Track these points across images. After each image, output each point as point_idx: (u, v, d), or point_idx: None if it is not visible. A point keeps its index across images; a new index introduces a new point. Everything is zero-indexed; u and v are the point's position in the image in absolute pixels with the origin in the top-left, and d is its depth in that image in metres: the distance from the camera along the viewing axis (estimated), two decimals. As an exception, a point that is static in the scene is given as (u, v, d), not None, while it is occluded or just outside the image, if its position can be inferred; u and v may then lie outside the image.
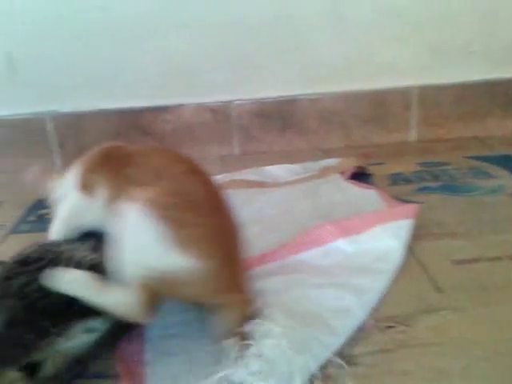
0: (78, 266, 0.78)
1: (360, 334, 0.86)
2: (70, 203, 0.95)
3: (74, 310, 0.74)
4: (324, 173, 1.54)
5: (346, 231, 1.10)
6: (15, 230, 1.38)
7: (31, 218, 1.43)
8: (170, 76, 1.76)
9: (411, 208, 1.16)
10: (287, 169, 1.59)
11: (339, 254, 1.05)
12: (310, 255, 1.06)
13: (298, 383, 0.70)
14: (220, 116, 1.80)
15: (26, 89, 1.76)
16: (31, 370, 0.70)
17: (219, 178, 1.56)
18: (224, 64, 1.75)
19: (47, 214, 1.44)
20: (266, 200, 1.38)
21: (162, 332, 0.88)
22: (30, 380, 0.70)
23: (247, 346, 0.75)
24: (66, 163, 1.80)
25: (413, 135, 1.84)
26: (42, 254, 0.82)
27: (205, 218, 0.76)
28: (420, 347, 0.83)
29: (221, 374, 0.71)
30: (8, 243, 1.30)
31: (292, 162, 1.62)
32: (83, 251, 0.83)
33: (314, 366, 0.75)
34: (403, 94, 1.79)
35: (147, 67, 1.75)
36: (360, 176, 1.53)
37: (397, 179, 1.51)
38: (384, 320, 0.90)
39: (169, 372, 0.79)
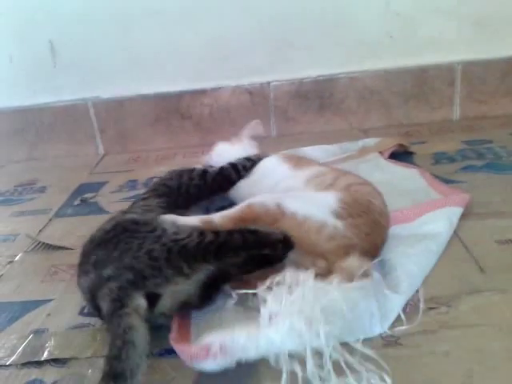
0: None
1: (402, 315, 0.84)
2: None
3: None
4: (363, 153, 1.52)
5: (399, 221, 1.08)
6: (60, 214, 1.42)
7: (75, 202, 1.47)
8: (207, 59, 1.77)
9: (463, 197, 1.14)
10: (325, 149, 1.55)
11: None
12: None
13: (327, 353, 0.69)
14: (257, 98, 1.79)
15: (68, 76, 1.80)
16: (151, 302, 0.80)
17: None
18: (261, 44, 1.73)
19: (91, 197, 1.48)
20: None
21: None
22: (149, 311, 0.79)
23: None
24: (108, 148, 1.87)
25: (456, 112, 1.78)
26: None
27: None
28: (462, 328, 0.81)
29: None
30: (53, 226, 1.34)
31: (330, 143, 1.59)
32: None
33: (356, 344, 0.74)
34: (446, 69, 1.74)
35: (185, 51, 1.76)
36: (401, 155, 1.49)
37: (440, 158, 1.47)
38: (427, 301, 0.88)
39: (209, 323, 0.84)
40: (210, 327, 0.81)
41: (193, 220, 0.96)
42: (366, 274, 0.85)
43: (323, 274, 0.85)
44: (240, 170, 1.21)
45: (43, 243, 1.24)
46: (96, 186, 1.55)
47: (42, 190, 1.62)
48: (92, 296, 0.85)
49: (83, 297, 0.89)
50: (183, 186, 1.14)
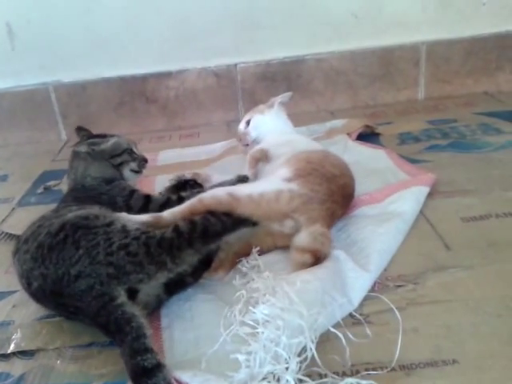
0: None
1: (370, 293, 0.86)
2: None
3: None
4: (330, 134, 1.52)
5: (367, 202, 1.11)
6: (23, 203, 1.38)
7: (38, 191, 1.43)
8: (171, 40, 1.73)
9: (429, 177, 1.16)
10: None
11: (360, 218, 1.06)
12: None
13: (308, 336, 0.70)
14: (224, 80, 1.77)
15: (27, 59, 1.74)
16: (130, 297, 0.80)
17: (225, 144, 1.55)
18: (226, 25, 1.71)
19: (55, 185, 1.45)
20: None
21: (175, 297, 0.90)
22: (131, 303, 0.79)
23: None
24: (71, 134, 1.82)
25: (421, 93, 1.80)
26: None
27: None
28: (429, 305, 0.83)
29: (233, 327, 0.74)
30: (16, 216, 1.31)
31: (298, 125, 1.58)
32: None
33: (325, 323, 0.76)
34: (411, 50, 1.75)
35: (149, 33, 1.72)
36: (368, 136, 1.50)
37: (405, 138, 1.49)
38: (394, 279, 0.90)
39: (184, 337, 0.81)
40: (184, 329, 0.82)
41: (142, 217, 0.94)
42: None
43: (292, 233, 0.93)
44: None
45: (6, 233, 1.20)
46: (60, 174, 1.51)
47: (4, 178, 1.57)
48: (52, 297, 0.83)
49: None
50: (117, 209, 1.02)
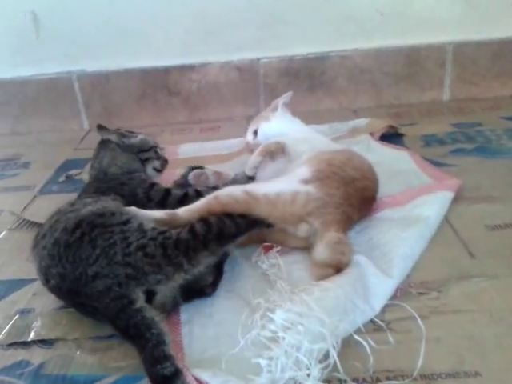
0: None
1: (393, 300, 0.85)
2: None
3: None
4: (353, 133, 1.51)
5: (390, 205, 1.09)
6: (44, 191, 1.39)
7: (60, 179, 1.44)
8: (195, 33, 1.72)
9: (454, 182, 1.14)
10: (314, 130, 1.54)
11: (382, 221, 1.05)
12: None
13: (329, 343, 0.69)
14: (247, 74, 1.76)
15: (51, 48, 1.75)
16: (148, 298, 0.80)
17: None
18: (251, 20, 1.70)
19: (76, 174, 1.45)
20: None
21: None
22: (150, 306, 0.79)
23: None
24: (94, 124, 1.82)
25: (447, 94, 1.77)
26: None
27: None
28: (453, 314, 0.82)
29: (253, 332, 0.73)
30: (37, 204, 1.32)
31: (320, 123, 1.57)
32: None
33: (347, 328, 0.75)
34: (437, 50, 1.72)
35: (173, 25, 1.71)
36: (391, 137, 1.48)
37: (430, 141, 1.46)
38: (417, 286, 0.89)
39: (204, 333, 0.81)
40: (202, 325, 0.82)
41: (157, 213, 0.94)
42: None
43: (307, 236, 0.93)
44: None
45: (28, 220, 1.21)
46: (81, 163, 1.51)
47: (26, 165, 1.58)
48: (69, 296, 0.84)
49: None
50: (137, 200, 1.04)
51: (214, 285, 0.91)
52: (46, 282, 0.86)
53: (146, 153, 1.20)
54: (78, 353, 0.81)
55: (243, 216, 0.91)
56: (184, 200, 1.05)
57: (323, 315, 0.70)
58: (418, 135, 1.51)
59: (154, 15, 1.70)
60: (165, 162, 1.25)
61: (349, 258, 0.90)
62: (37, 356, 0.81)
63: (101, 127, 1.21)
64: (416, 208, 1.07)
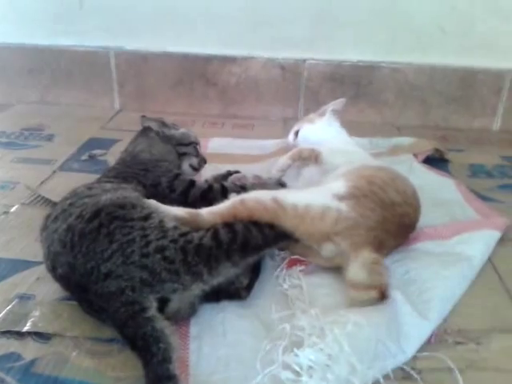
0: None
1: (426, 346, 0.76)
2: None
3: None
4: (395, 151, 1.41)
5: (432, 237, 1.00)
6: (65, 167, 1.33)
7: (83, 157, 1.37)
8: (242, 24, 1.64)
9: (502, 222, 1.05)
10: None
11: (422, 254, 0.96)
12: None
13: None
14: (289, 74, 1.68)
15: (93, 20, 1.68)
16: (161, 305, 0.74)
17: (279, 143, 1.46)
18: (303, 18, 1.61)
19: (100, 154, 1.39)
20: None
21: (208, 305, 0.82)
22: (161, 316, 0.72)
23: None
24: (125, 104, 1.77)
25: (497, 123, 1.67)
26: None
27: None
28: (491, 371, 0.73)
29: (273, 368, 0.64)
30: (56, 180, 1.25)
31: (360, 135, 1.46)
32: None
33: (376, 375, 0.67)
34: (495, 76, 1.62)
35: (219, 13, 1.64)
36: (435, 161, 1.39)
37: (477, 171, 1.37)
38: (454, 333, 0.80)
39: (213, 353, 0.73)
40: (213, 344, 0.75)
41: (178, 211, 0.86)
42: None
43: (332, 257, 0.86)
44: (228, 194, 1.02)
45: (43, 197, 1.15)
46: (107, 143, 1.45)
47: (50, 138, 1.52)
48: (76, 290, 0.77)
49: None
50: (159, 190, 0.99)
51: (249, 288, 0.85)
52: (53, 269, 0.79)
53: (185, 147, 1.15)
54: (74, 353, 0.74)
55: (271, 226, 0.84)
56: (208, 193, 1.00)
57: (354, 360, 0.62)
58: (465, 164, 1.41)
59: (202, 1, 1.62)
60: (203, 161, 1.19)
61: (387, 280, 0.81)
62: (30, 350, 0.74)
63: (144, 117, 1.16)
64: (460, 245, 0.98)
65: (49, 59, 1.73)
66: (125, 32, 1.69)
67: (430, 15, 1.58)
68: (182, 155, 1.14)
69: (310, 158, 1.10)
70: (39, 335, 0.77)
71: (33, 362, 0.72)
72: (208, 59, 1.68)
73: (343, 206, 0.87)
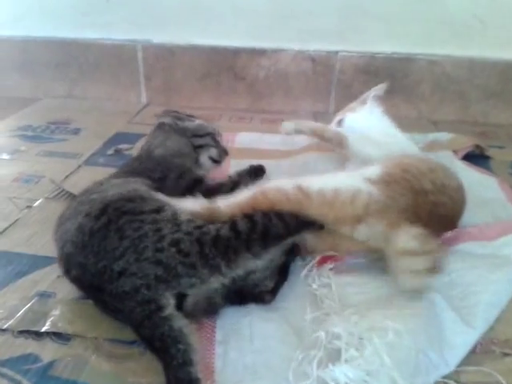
0: None
1: (471, 357, 0.69)
2: None
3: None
4: (433, 147, 1.33)
5: (476, 237, 0.93)
6: (90, 162, 1.30)
7: (109, 152, 1.34)
8: (271, 16, 1.59)
9: None
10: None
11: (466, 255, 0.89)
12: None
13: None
14: (320, 67, 1.62)
15: (120, 13, 1.66)
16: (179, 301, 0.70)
17: (309, 138, 1.40)
18: (335, 8, 1.54)
19: (126, 149, 1.36)
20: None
21: (233, 308, 0.78)
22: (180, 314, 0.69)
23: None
24: (152, 98, 1.74)
25: (541, 119, 1.57)
26: None
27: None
28: (544, 388, 0.66)
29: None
30: (81, 174, 1.22)
31: (395, 131, 1.41)
32: None
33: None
34: (539, 69, 1.52)
35: (248, 4, 1.59)
36: (476, 158, 1.31)
37: (520, 169, 1.28)
38: (501, 343, 0.73)
39: (240, 359, 0.69)
40: (240, 349, 0.70)
41: (193, 205, 0.81)
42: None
43: (365, 241, 0.81)
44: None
45: (67, 191, 1.12)
46: (133, 138, 1.42)
47: (76, 131, 1.50)
48: (91, 292, 0.74)
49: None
50: (164, 185, 0.93)
51: (274, 292, 0.80)
52: (67, 271, 0.75)
53: (201, 138, 1.10)
54: (93, 356, 0.70)
55: (292, 214, 0.79)
56: (214, 191, 0.94)
57: (396, 374, 0.56)
58: (506, 161, 1.33)
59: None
60: (224, 152, 1.13)
61: (440, 250, 0.75)
62: (48, 351, 0.71)
63: (157, 115, 1.14)
64: (506, 247, 0.90)
65: (76, 53, 1.71)
66: (152, 25, 1.66)
67: (468, 5, 1.50)
68: (198, 147, 1.09)
69: (332, 140, 1.06)
70: (58, 336, 0.74)
71: (51, 364, 0.69)
72: (236, 52, 1.64)
73: (374, 190, 0.82)
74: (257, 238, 0.72)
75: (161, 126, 1.09)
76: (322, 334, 0.66)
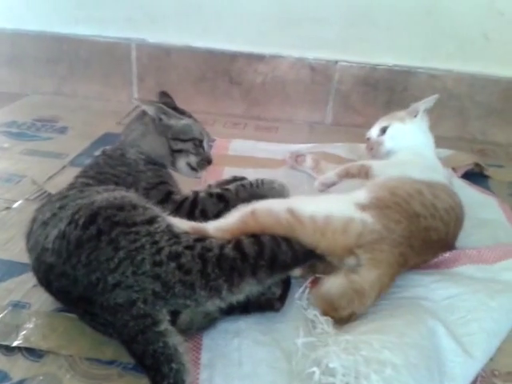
0: None
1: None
2: None
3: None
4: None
5: (475, 260, 0.90)
6: (76, 163, 1.24)
7: (96, 153, 1.28)
8: (271, 21, 1.55)
9: None
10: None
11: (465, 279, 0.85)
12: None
13: None
14: (319, 76, 1.58)
15: (115, 9, 1.60)
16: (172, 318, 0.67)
17: (308, 148, 1.36)
18: (337, 17, 1.51)
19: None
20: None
21: (222, 327, 0.73)
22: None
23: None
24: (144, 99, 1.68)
25: (540, 140, 1.55)
26: None
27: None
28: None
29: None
30: (65, 176, 1.16)
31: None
32: None
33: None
34: (542, 89, 1.50)
35: (248, 8, 1.54)
36: (474, 176, 1.27)
37: (519, 190, 1.25)
38: (502, 376, 0.69)
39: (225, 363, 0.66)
40: (227, 375, 0.65)
41: (180, 223, 0.76)
42: None
43: (354, 270, 0.76)
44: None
45: (49, 193, 1.06)
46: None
47: (63, 130, 1.44)
48: (79, 304, 0.68)
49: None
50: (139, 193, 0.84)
51: (283, 299, 0.77)
52: (47, 283, 0.70)
53: (182, 143, 0.99)
54: (68, 376, 0.65)
55: (300, 242, 0.75)
56: (194, 205, 0.88)
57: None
58: (506, 181, 1.29)
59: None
60: (207, 162, 1.03)
61: (349, 314, 0.73)
62: (18, 369, 0.66)
63: (164, 94, 1.09)
64: (506, 272, 0.87)
65: (67, 49, 1.65)
66: (148, 24, 1.61)
67: (474, 21, 1.47)
68: (177, 151, 0.99)
69: (360, 174, 1.00)
70: (30, 352, 0.68)
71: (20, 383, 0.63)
72: (234, 56, 1.59)
73: (367, 217, 0.79)
74: (264, 265, 0.68)
75: (142, 117, 0.99)
76: (315, 370, 0.61)
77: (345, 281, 0.74)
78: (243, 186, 0.93)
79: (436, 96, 1.11)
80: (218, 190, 0.92)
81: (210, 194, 0.90)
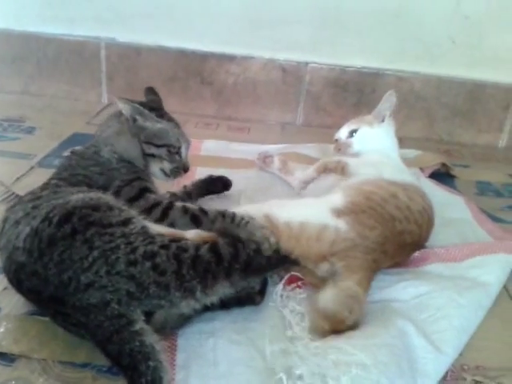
0: None
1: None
2: None
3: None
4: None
5: (443, 258, 0.93)
6: (44, 164, 1.22)
7: (65, 153, 1.26)
8: (243, 22, 1.55)
9: None
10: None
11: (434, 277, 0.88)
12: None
13: None
14: (290, 77, 1.59)
15: (84, 8, 1.58)
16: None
17: (279, 148, 1.37)
18: (308, 19, 1.52)
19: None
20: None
21: (197, 327, 0.73)
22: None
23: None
24: (113, 99, 1.66)
25: (504, 140, 1.60)
26: None
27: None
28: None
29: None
30: (33, 176, 1.14)
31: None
32: None
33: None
34: (504, 91, 1.55)
35: (220, 8, 1.55)
36: (441, 176, 1.31)
37: (484, 189, 1.29)
38: (471, 370, 0.71)
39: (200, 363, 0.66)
40: (203, 375, 0.65)
41: (157, 227, 0.76)
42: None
43: (326, 277, 0.80)
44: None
45: (17, 195, 1.04)
46: (92, 139, 1.34)
47: (30, 130, 1.41)
48: (50, 304, 0.67)
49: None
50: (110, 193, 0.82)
51: (263, 292, 0.78)
52: (18, 283, 0.69)
53: (154, 148, 0.93)
54: (41, 380, 0.64)
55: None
56: (154, 208, 0.84)
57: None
58: (471, 180, 1.34)
59: (201, -5, 1.54)
60: (182, 170, 0.98)
61: (354, 320, 0.73)
62: (-11, 374, 0.64)
63: (150, 91, 1.04)
64: (473, 269, 0.90)
65: (35, 47, 1.62)
66: (118, 22, 1.59)
67: (441, 24, 1.51)
68: (149, 156, 0.94)
69: (336, 169, 1.02)
70: (2, 356, 0.67)
71: (-9, 389, 0.62)
72: (205, 56, 1.59)
73: (342, 224, 0.81)
74: (238, 268, 0.69)
75: (119, 114, 0.95)
76: (283, 376, 0.62)
77: (336, 291, 0.75)
78: (224, 216, 0.83)
79: (391, 92, 1.15)
80: (194, 209, 0.85)
81: (186, 211, 0.84)
